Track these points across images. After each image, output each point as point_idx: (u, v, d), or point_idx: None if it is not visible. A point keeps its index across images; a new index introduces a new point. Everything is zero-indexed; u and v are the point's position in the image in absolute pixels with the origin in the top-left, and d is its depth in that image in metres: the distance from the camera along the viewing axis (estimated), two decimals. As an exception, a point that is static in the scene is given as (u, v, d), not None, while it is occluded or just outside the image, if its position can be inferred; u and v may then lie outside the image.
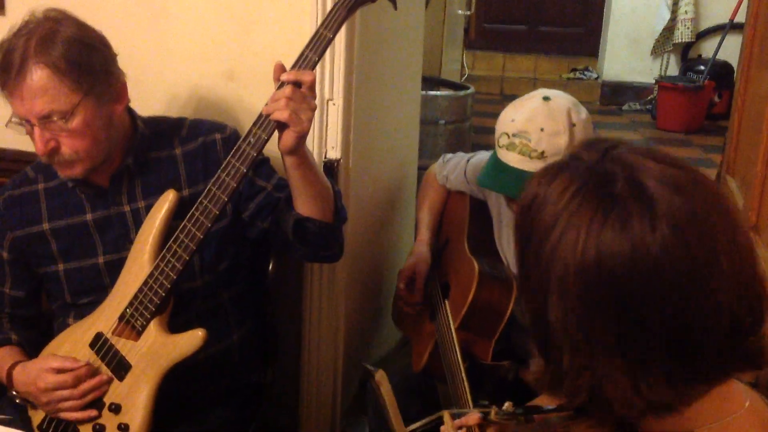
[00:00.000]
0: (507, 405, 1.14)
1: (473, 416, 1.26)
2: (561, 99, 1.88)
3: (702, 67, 6.62)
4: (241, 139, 1.63)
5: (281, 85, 1.60)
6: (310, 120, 1.60)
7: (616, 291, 0.85)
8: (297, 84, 1.59)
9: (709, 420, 0.93)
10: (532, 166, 1.83)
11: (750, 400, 0.96)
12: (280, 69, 1.62)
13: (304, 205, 1.71)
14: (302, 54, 1.62)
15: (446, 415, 1.22)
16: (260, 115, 1.62)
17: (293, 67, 1.61)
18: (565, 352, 0.90)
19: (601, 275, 0.86)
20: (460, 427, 1.24)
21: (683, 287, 0.84)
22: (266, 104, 1.61)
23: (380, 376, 1.52)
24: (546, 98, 1.87)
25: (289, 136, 1.60)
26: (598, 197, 0.89)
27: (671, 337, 0.85)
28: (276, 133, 1.62)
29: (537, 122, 1.83)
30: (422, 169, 2.68)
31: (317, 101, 1.67)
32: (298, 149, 1.62)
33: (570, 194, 0.90)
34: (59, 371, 1.69)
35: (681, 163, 0.92)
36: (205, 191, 1.65)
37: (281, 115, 1.58)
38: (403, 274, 2.21)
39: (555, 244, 0.89)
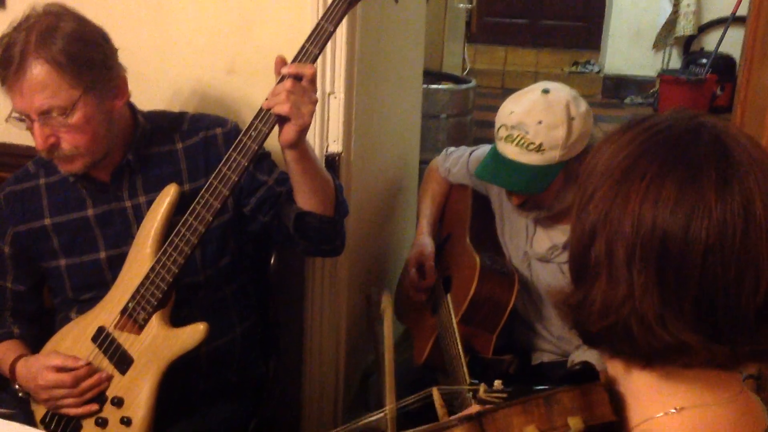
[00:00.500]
0: (497, 383, 1.15)
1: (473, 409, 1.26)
2: (560, 92, 1.88)
3: (704, 60, 6.61)
4: (242, 133, 1.63)
5: (282, 78, 1.60)
6: (311, 113, 1.60)
7: (665, 245, 0.86)
8: (298, 77, 1.59)
9: (700, 399, 0.93)
10: (529, 158, 1.83)
11: (743, 391, 0.96)
12: (281, 62, 1.62)
13: (305, 199, 1.70)
14: (303, 47, 1.61)
15: (435, 391, 1.22)
16: (261, 109, 1.62)
17: (294, 60, 1.61)
18: (602, 278, 0.91)
19: (654, 232, 0.86)
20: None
21: (728, 260, 0.85)
22: (267, 98, 1.61)
23: (386, 302, 1.49)
24: (545, 91, 1.87)
25: (290, 130, 1.59)
26: (671, 147, 0.89)
27: (706, 291, 0.86)
28: (277, 127, 1.62)
29: (535, 115, 1.83)
30: (424, 162, 2.68)
31: (318, 95, 1.67)
32: (299, 143, 1.62)
33: (643, 138, 0.91)
34: (60, 370, 1.69)
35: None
36: (207, 185, 1.65)
37: (282, 108, 1.58)
38: (412, 261, 2.21)
39: (616, 187, 0.90)
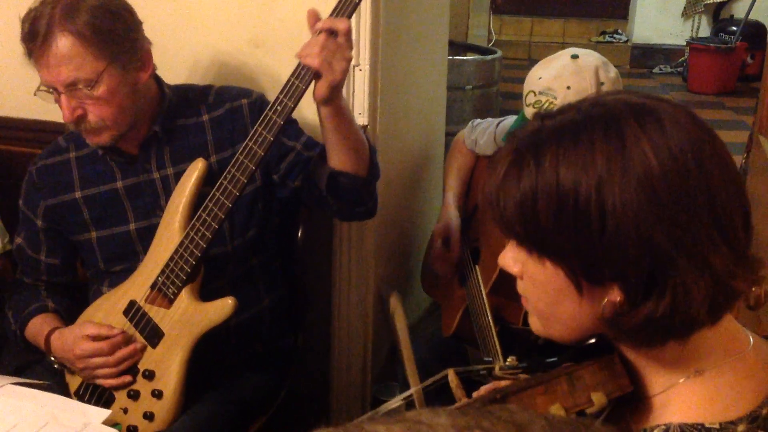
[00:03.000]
0: (510, 359, 1.14)
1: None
2: (589, 57, 1.86)
3: (734, 28, 6.51)
4: (267, 108, 1.63)
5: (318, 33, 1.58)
6: (345, 71, 1.58)
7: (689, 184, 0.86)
8: (332, 32, 1.57)
9: (717, 359, 0.92)
10: None
11: (753, 339, 0.96)
12: (314, 16, 1.59)
13: (338, 159, 1.69)
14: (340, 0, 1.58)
15: (451, 372, 1.22)
16: (286, 84, 1.62)
17: (332, 14, 1.59)
18: (677, 268, 0.86)
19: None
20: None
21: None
22: (301, 48, 1.59)
23: (395, 301, 1.48)
24: (574, 56, 1.85)
25: (322, 86, 1.58)
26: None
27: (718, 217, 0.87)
28: (302, 102, 1.62)
29: (563, 80, 1.81)
30: (449, 134, 2.67)
31: None
32: (332, 99, 1.61)
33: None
34: (95, 338, 1.71)
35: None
36: (234, 160, 1.65)
37: (312, 61, 1.56)
38: (437, 234, 2.21)
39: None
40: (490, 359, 1.26)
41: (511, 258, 0.98)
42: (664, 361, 0.95)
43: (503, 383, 1.19)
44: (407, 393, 1.26)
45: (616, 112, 0.88)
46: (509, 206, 0.92)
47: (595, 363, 0.98)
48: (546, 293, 0.95)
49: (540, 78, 1.85)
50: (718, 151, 0.88)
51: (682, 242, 0.85)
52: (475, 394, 1.20)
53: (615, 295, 0.89)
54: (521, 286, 1.00)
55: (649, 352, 0.95)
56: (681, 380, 0.93)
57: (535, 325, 1.02)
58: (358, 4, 1.59)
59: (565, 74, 1.82)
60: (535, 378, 1.01)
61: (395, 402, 1.24)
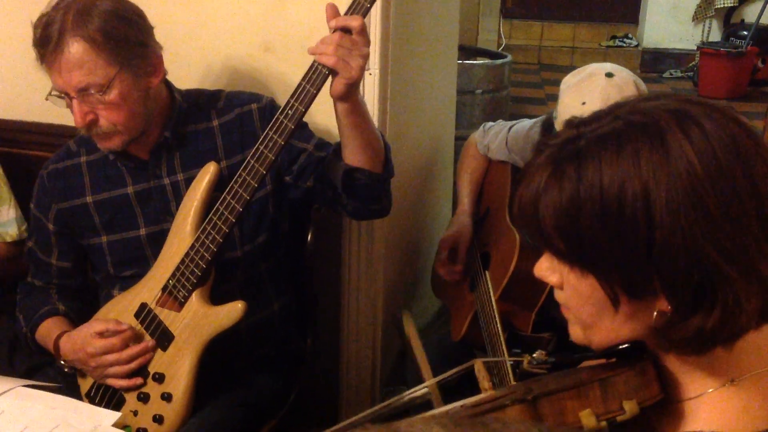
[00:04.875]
0: (539, 353, 1.14)
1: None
2: (622, 72, 1.84)
3: (745, 33, 6.48)
4: (278, 112, 1.63)
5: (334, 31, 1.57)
6: (361, 68, 1.56)
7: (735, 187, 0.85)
8: (347, 30, 1.56)
9: (753, 368, 0.91)
10: None
11: None
12: (333, 10, 1.59)
13: (354, 155, 1.69)
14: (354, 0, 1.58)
15: (478, 362, 1.21)
16: (297, 88, 1.61)
17: (346, 12, 1.58)
18: (729, 277, 0.85)
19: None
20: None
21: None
22: (314, 48, 1.58)
23: (407, 323, 1.48)
24: (609, 75, 1.82)
25: (338, 83, 1.58)
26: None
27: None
28: (313, 106, 1.62)
29: (613, 101, 1.78)
30: (459, 139, 2.67)
31: None
32: (349, 96, 1.60)
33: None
34: (104, 334, 1.71)
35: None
36: (244, 164, 1.65)
37: (327, 60, 1.56)
38: (446, 243, 2.20)
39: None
40: (519, 350, 1.25)
41: (548, 268, 0.97)
42: (702, 367, 0.94)
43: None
44: (430, 381, 1.25)
45: (658, 118, 0.87)
46: (548, 219, 0.90)
47: (630, 369, 0.97)
48: (589, 304, 0.94)
49: (584, 103, 1.79)
50: (761, 151, 0.87)
51: (731, 253, 0.84)
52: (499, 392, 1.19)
53: (663, 306, 0.88)
54: (561, 296, 0.99)
55: (689, 358, 0.94)
56: (710, 390, 0.93)
57: (576, 334, 1.01)
58: (372, 3, 1.57)
59: (611, 96, 1.77)
60: (566, 380, 1.00)
61: (420, 389, 1.23)
